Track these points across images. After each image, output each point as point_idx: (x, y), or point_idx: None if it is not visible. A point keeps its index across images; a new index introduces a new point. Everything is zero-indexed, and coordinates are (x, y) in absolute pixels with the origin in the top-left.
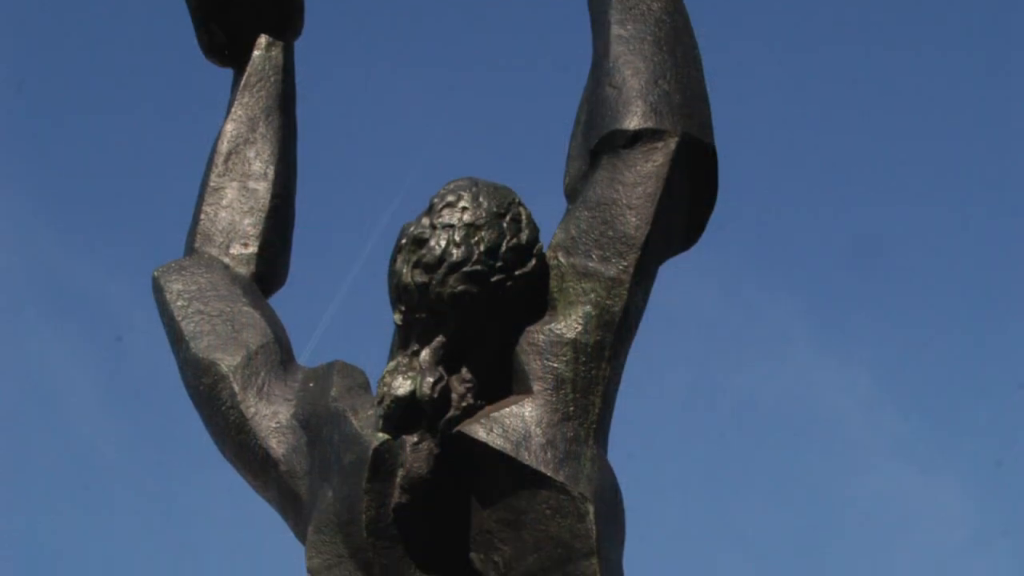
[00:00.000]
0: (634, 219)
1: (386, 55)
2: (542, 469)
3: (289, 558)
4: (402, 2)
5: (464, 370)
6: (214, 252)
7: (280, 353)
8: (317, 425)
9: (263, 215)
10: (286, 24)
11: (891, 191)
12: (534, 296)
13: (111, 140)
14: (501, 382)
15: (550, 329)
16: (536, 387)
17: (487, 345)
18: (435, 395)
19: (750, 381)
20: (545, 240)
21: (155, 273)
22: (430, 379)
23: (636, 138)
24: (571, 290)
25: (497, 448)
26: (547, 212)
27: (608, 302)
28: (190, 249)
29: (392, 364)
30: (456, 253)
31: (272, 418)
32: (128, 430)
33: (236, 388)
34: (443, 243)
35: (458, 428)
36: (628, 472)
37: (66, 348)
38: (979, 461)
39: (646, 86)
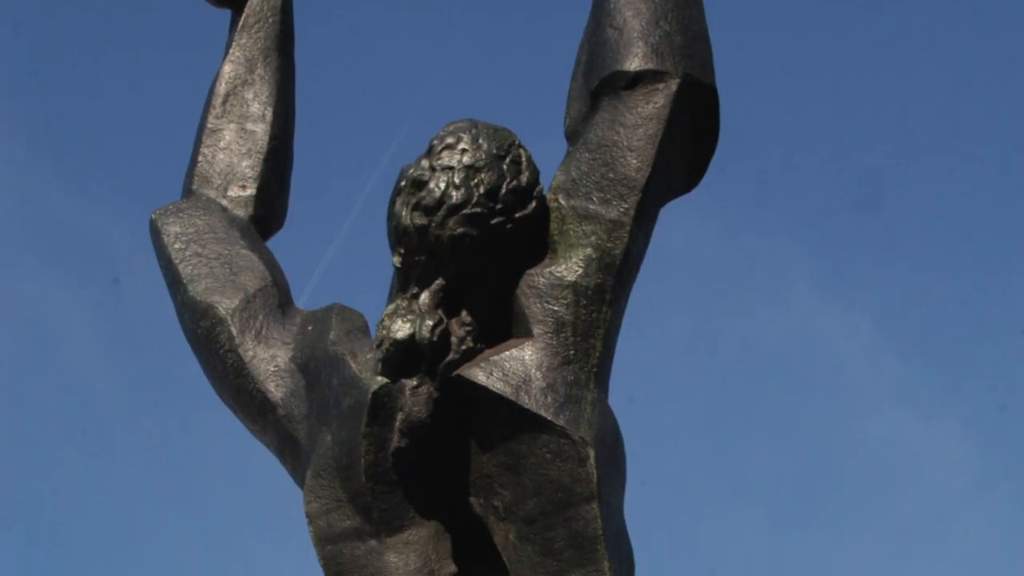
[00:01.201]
0: (635, 161)
1: None
2: (542, 413)
3: (287, 502)
4: None
5: (464, 313)
6: (212, 194)
7: (278, 296)
8: (316, 369)
9: (261, 157)
10: None
11: (894, 136)
12: (534, 239)
13: (109, 82)
14: (501, 325)
15: (550, 272)
16: (536, 330)
17: (487, 288)
18: (434, 338)
19: (751, 326)
20: (545, 182)
21: (152, 215)
22: (429, 322)
23: (637, 79)
24: (571, 233)
25: (497, 392)
26: (547, 154)
27: (609, 245)
28: (188, 191)
29: (391, 307)
30: (456, 195)
31: (270, 361)
32: (126, 373)
33: (234, 331)
34: (443, 185)
35: (457, 372)
36: (629, 416)
37: (64, 291)
38: (982, 406)
39: (647, 27)
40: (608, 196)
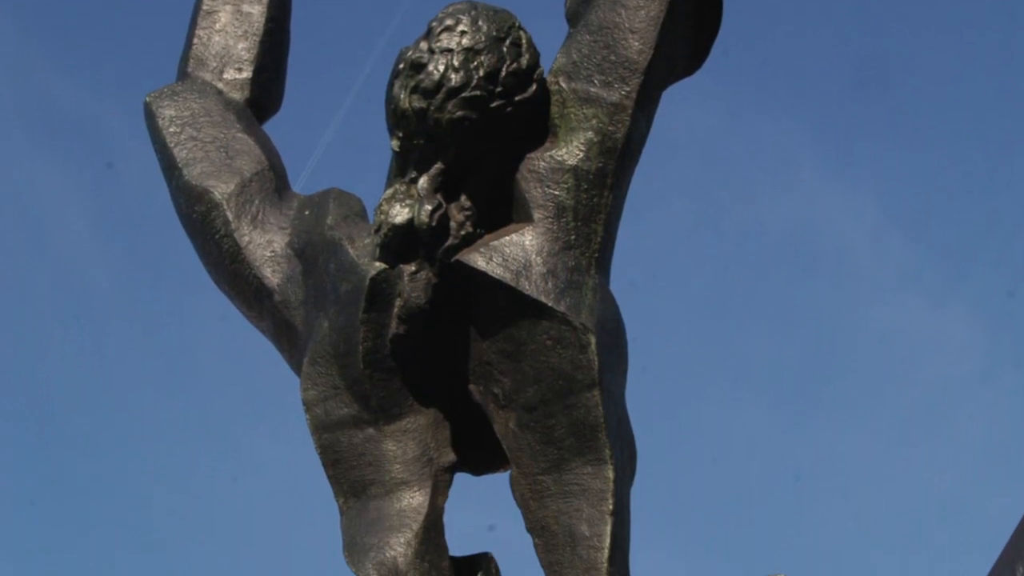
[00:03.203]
0: (636, 43)
1: None
2: (542, 299)
3: (284, 389)
4: None
5: (463, 198)
6: (207, 77)
7: (275, 180)
8: (313, 254)
9: (257, 39)
10: None
11: (899, 12)
12: (534, 122)
13: None
14: (501, 210)
15: (551, 156)
16: (537, 215)
17: (486, 172)
18: (433, 223)
19: (755, 209)
20: (546, 65)
21: (147, 99)
22: (428, 207)
23: None
24: (572, 116)
25: (496, 277)
26: (548, 36)
27: (610, 128)
28: (183, 74)
29: (389, 191)
30: (455, 78)
31: (267, 247)
32: (120, 259)
33: (230, 216)
34: (441, 68)
35: (457, 257)
36: (630, 302)
37: (56, 175)
38: (990, 291)
39: None
40: (609, 79)
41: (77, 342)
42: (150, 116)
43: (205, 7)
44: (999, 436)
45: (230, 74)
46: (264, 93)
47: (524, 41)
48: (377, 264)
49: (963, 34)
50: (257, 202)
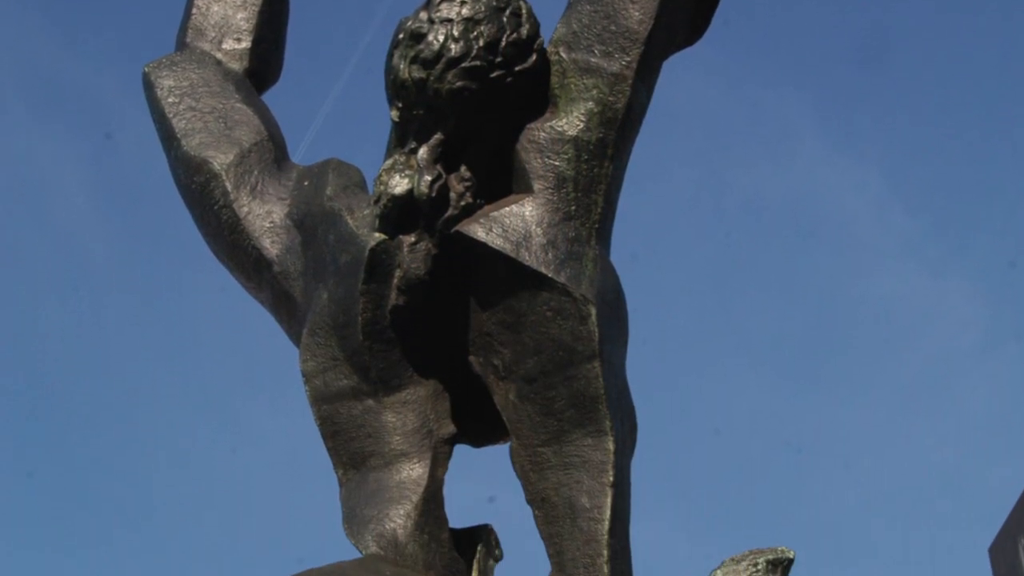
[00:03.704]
0: (637, 13)
1: None
2: (543, 270)
3: (283, 361)
4: None
5: (463, 168)
6: (206, 47)
7: (274, 151)
8: (312, 225)
9: (256, 9)
10: None
11: None
12: (534, 93)
13: None
14: (501, 181)
15: (551, 126)
16: (537, 186)
17: (486, 143)
18: (433, 194)
19: (756, 180)
20: (546, 35)
21: (145, 69)
22: (428, 177)
23: None
24: (573, 86)
25: (496, 248)
26: (548, 6)
27: (611, 99)
28: (181, 44)
29: (389, 162)
30: (455, 48)
31: (266, 217)
32: (118, 230)
33: (229, 187)
34: (441, 38)
35: (457, 228)
36: (631, 273)
37: (54, 145)
38: (991, 262)
39: None
40: (610, 49)
41: (75, 314)
42: (149, 86)
43: None
44: (1001, 407)
45: (229, 44)
46: (263, 63)
47: (524, 11)
48: (376, 235)
49: (965, 7)
50: (256, 173)
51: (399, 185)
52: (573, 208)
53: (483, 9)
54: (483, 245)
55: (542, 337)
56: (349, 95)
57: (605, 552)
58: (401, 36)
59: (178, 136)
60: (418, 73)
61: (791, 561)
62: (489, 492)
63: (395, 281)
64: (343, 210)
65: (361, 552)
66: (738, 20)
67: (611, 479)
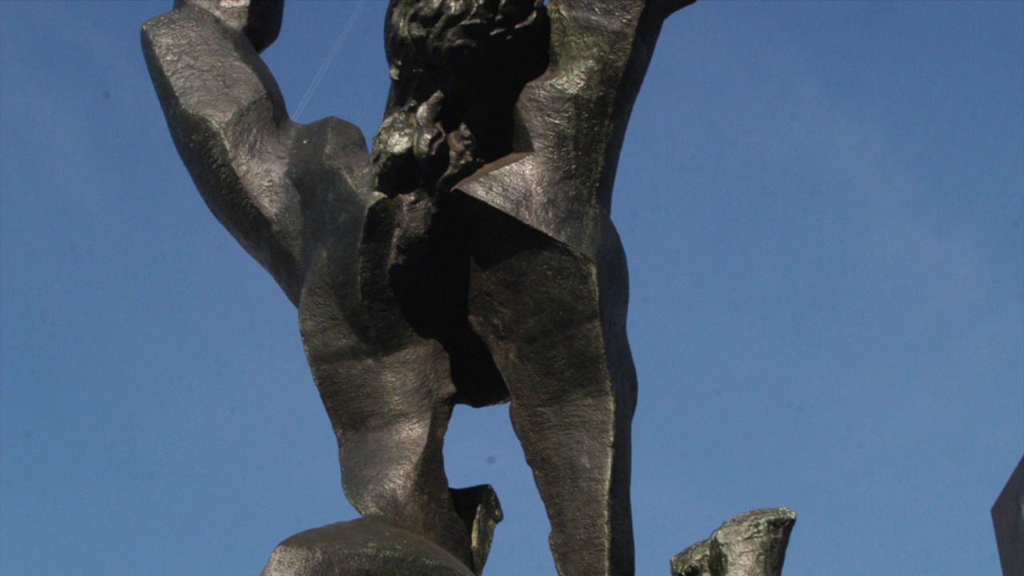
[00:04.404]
0: None
1: None
2: (543, 229)
3: (282, 320)
4: None
5: (463, 127)
6: (204, 5)
7: (272, 109)
8: (311, 183)
9: None
10: None
11: None
12: (534, 51)
13: None
14: (501, 140)
15: (551, 84)
16: (537, 144)
17: (486, 101)
18: (433, 152)
19: (758, 139)
20: None
21: (144, 27)
22: (427, 136)
23: None
24: (573, 44)
25: (496, 207)
26: None
27: (611, 57)
28: (180, 2)
29: (388, 121)
30: (454, 6)
31: (264, 176)
32: (116, 189)
33: (227, 145)
34: None
35: (456, 187)
36: (632, 232)
37: (52, 103)
38: (994, 221)
39: None
40: (610, 7)
41: (73, 272)
42: (147, 44)
43: None
44: (1004, 367)
45: (227, 2)
46: (262, 21)
47: None
48: (376, 194)
49: None
50: (255, 131)
51: (398, 144)
52: (573, 167)
53: None
54: (483, 204)
55: (542, 296)
56: (348, 53)
57: (606, 512)
58: None
59: (176, 94)
60: (417, 31)
61: (792, 522)
62: (489, 452)
63: (394, 240)
64: (342, 169)
65: (360, 513)
66: None
67: (612, 439)
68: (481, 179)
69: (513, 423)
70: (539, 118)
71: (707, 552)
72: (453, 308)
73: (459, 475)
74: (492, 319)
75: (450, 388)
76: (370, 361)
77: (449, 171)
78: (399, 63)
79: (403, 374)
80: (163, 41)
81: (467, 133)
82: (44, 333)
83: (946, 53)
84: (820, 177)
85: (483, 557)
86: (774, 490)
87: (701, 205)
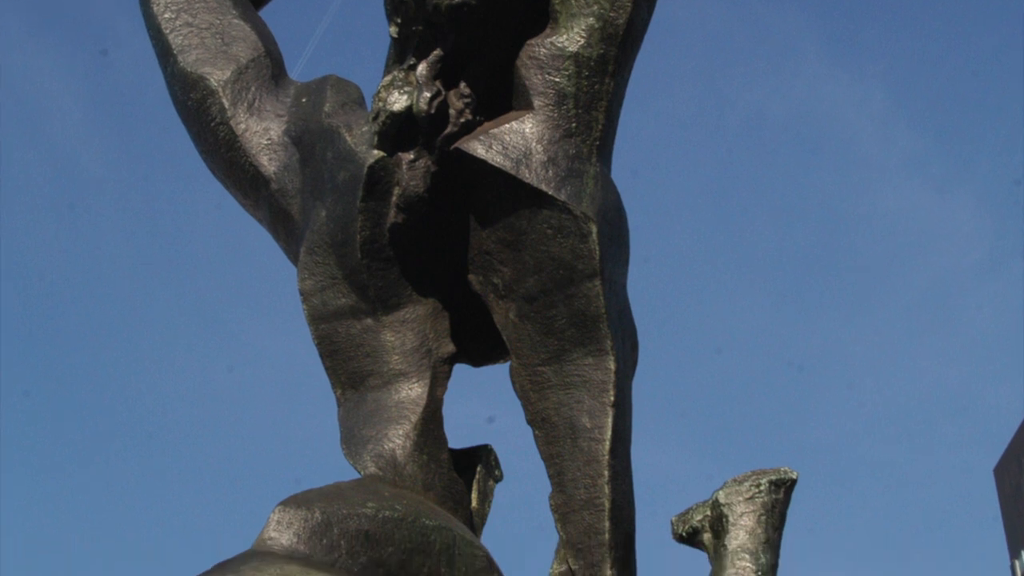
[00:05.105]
0: None
1: None
2: (543, 187)
3: (281, 279)
4: None
5: (462, 85)
6: None
7: (271, 67)
8: (310, 142)
9: None
10: None
11: None
12: (535, 8)
13: None
14: (501, 98)
15: (551, 42)
16: (537, 103)
17: (486, 59)
18: (432, 110)
19: (759, 97)
20: None
21: None
22: (427, 94)
23: None
24: (573, 2)
25: (496, 166)
26: None
27: (612, 14)
28: None
29: (388, 79)
30: None
31: (263, 134)
32: (114, 147)
33: (226, 103)
34: None
35: (456, 145)
36: (632, 191)
37: (49, 62)
38: (997, 179)
39: None
40: None
41: (71, 231)
42: (145, 2)
43: None
44: (1007, 326)
45: None
46: None
47: None
48: (375, 152)
49: None
50: (253, 89)
51: (398, 102)
52: (574, 125)
53: None
54: (483, 162)
55: (542, 255)
56: (348, 10)
57: (606, 472)
58: None
59: (174, 52)
60: None
61: (794, 481)
62: (489, 412)
63: (394, 199)
64: (341, 127)
65: (359, 473)
66: None
67: (612, 399)
68: (481, 137)
69: (513, 383)
70: (539, 76)
71: (708, 512)
72: (453, 267)
73: (459, 435)
74: (492, 278)
75: (450, 347)
76: (369, 320)
77: (449, 129)
78: (398, 20)
79: (402, 333)
80: None
81: (467, 91)
82: (42, 292)
83: (948, 10)
84: (821, 135)
85: (483, 517)
86: (775, 450)
87: (702, 163)
